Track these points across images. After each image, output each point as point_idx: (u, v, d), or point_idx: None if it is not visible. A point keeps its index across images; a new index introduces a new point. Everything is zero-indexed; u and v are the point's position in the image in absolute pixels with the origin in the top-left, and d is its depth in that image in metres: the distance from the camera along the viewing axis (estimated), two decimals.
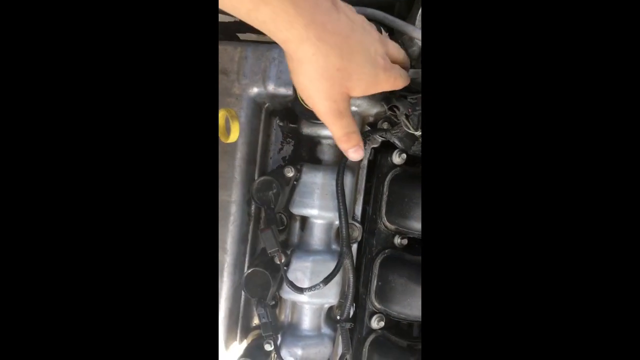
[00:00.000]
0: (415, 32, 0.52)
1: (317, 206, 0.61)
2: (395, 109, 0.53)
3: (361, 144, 0.49)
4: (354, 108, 0.60)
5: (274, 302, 0.69)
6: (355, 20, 0.42)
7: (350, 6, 0.44)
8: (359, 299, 0.68)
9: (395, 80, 0.46)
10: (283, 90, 0.59)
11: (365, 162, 0.68)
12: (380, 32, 0.50)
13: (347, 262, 0.62)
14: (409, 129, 0.51)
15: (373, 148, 0.68)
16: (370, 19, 0.52)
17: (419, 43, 0.55)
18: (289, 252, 0.64)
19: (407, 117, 0.52)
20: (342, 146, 0.49)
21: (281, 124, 0.63)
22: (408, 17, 0.71)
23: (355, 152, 0.49)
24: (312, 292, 0.59)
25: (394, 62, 0.47)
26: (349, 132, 0.47)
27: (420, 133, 0.50)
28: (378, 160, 0.68)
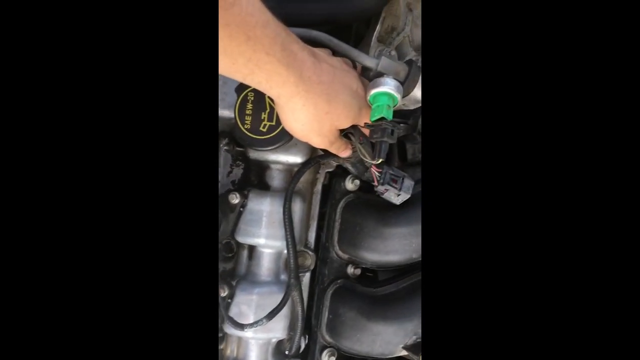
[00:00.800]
0: (361, 57, 0.49)
1: (264, 235, 0.58)
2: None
3: (349, 147, 0.53)
4: None
5: (220, 335, 0.65)
6: (335, 65, 0.47)
7: (327, 51, 0.49)
8: (312, 331, 0.64)
9: (368, 113, 0.51)
10: (227, 113, 0.56)
11: (319, 187, 0.66)
12: (355, 67, 0.52)
13: (295, 295, 0.58)
14: (364, 157, 0.49)
15: (328, 172, 0.65)
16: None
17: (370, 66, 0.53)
18: (234, 283, 0.60)
19: (361, 144, 0.49)
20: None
21: (226, 147, 0.60)
22: (364, 38, 0.69)
23: (343, 154, 0.54)
24: (257, 327, 0.55)
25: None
26: (339, 148, 0.52)
27: (380, 161, 0.48)
28: (332, 185, 0.65)
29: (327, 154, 0.60)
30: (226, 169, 0.66)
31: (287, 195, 0.56)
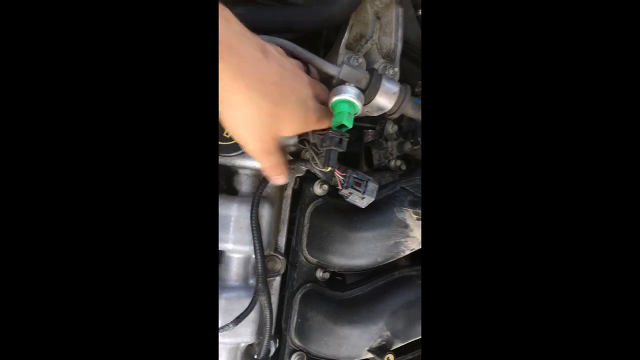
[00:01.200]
0: (324, 66, 0.50)
1: (232, 240, 0.58)
2: (305, 143, 0.52)
3: (286, 173, 0.51)
4: None
5: None
6: (286, 66, 0.45)
7: (281, 52, 0.47)
8: (282, 335, 0.65)
9: (322, 120, 0.49)
10: None
11: (289, 191, 0.66)
12: (309, 72, 0.52)
13: (262, 299, 0.59)
14: (316, 164, 0.50)
15: (298, 177, 0.66)
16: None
17: (333, 74, 0.54)
18: None
19: (315, 152, 0.50)
20: (267, 175, 0.52)
21: None
22: (333, 46, 0.70)
23: (277, 180, 0.52)
24: (224, 332, 0.55)
25: (321, 102, 0.49)
26: (276, 165, 0.49)
27: (329, 169, 0.49)
28: (302, 189, 0.66)
29: (295, 159, 0.61)
30: None
31: (254, 200, 0.57)
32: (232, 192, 0.62)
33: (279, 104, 0.42)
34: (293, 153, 0.64)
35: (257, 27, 0.59)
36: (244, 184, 0.61)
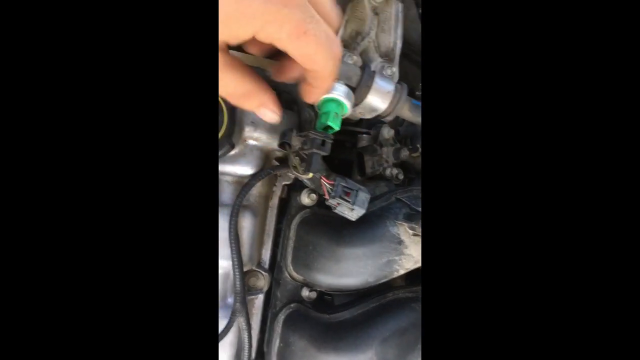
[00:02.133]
0: None
1: None
2: (286, 146, 0.46)
3: (270, 104, 0.39)
4: (252, 142, 0.53)
5: None
6: None
7: None
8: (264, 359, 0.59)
9: (309, 34, 0.33)
10: None
11: (276, 200, 0.61)
12: None
13: (240, 320, 0.53)
14: (295, 170, 0.44)
15: (285, 185, 0.61)
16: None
17: None
18: None
19: (298, 156, 0.45)
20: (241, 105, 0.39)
21: None
22: None
23: (265, 115, 0.39)
24: None
25: (320, 14, 0.35)
26: (245, 89, 0.37)
27: (310, 176, 0.43)
28: (290, 199, 0.60)
29: (280, 165, 0.56)
30: None
31: (233, 210, 0.51)
32: None
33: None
34: (279, 158, 0.59)
35: None
36: (225, 192, 0.56)
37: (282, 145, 0.46)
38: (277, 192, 0.60)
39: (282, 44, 0.33)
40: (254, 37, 0.33)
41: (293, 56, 0.35)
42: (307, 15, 0.33)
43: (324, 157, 0.46)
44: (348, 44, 0.62)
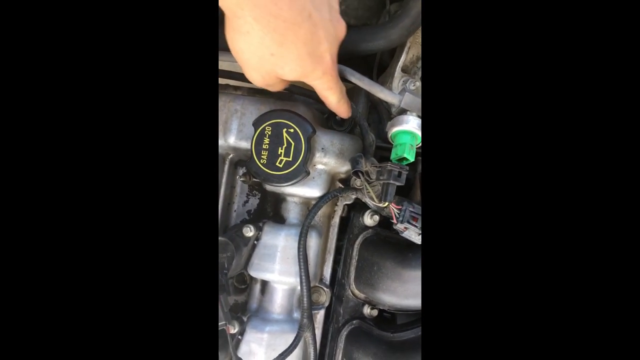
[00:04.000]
0: (383, 93, 0.47)
1: (278, 270, 0.56)
2: (359, 175, 0.48)
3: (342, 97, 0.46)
4: (321, 166, 0.55)
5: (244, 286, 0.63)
6: (320, 8, 0.38)
7: None
8: None
9: (329, 87, 0.45)
10: (244, 144, 0.54)
11: (337, 219, 0.63)
12: None
13: (307, 335, 0.56)
14: (372, 199, 0.46)
15: (346, 205, 0.63)
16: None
17: (393, 102, 0.50)
18: (245, 319, 0.58)
19: (368, 182, 0.47)
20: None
21: (242, 179, 0.58)
22: (388, 68, 0.67)
23: (345, 113, 0.50)
24: None
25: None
26: (275, 87, 0.45)
27: (386, 205, 0.45)
28: (351, 218, 0.63)
29: (346, 187, 0.58)
30: (242, 198, 0.65)
31: (303, 231, 0.54)
32: (279, 219, 0.60)
33: (287, 46, 0.37)
34: (343, 180, 0.61)
35: None
36: (292, 212, 0.59)
37: (355, 173, 0.49)
38: (339, 211, 0.63)
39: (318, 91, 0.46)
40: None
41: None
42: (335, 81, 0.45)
43: None
44: (409, 69, 0.64)
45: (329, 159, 0.55)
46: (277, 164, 0.48)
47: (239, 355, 0.55)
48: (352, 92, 0.71)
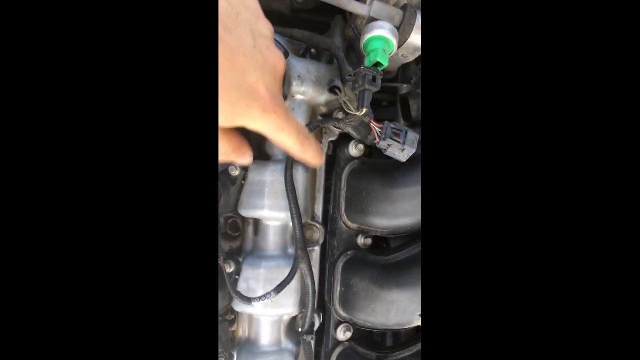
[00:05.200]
0: (351, 5, 0.46)
1: (267, 206, 0.56)
2: (336, 91, 0.48)
3: (245, 154, 0.42)
4: (299, 97, 0.55)
5: (232, 317, 0.63)
6: (236, 32, 0.34)
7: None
8: (325, 308, 0.61)
9: (279, 128, 0.39)
10: None
11: (324, 158, 0.63)
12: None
13: (303, 267, 0.56)
14: (349, 109, 0.46)
15: (331, 141, 0.63)
16: None
17: (362, 13, 0.49)
18: (241, 260, 0.58)
19: (344, 96, 0.46)
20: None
21: None
22: None
23: (239, 159, 0.43)
24: (265, 302, 0.53)
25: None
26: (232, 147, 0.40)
27: (364, 113, 0.45)
28: (337, 154, 0.62)
29: (327, 117, 0.58)
30: None
31: (288, 163, 0.54)
32: (264, 157, 0.59)
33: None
34: (324, 115, 0.61)
35: None
36: (276, 148, 0.59)
37: (332, 89, 0.48)
38: (324, 149, 0.62)
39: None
40: None
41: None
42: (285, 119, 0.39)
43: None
44: None
45: (306, 88, 0.54)
46: None
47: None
48: (326, 28, 0.70)
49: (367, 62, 0.44)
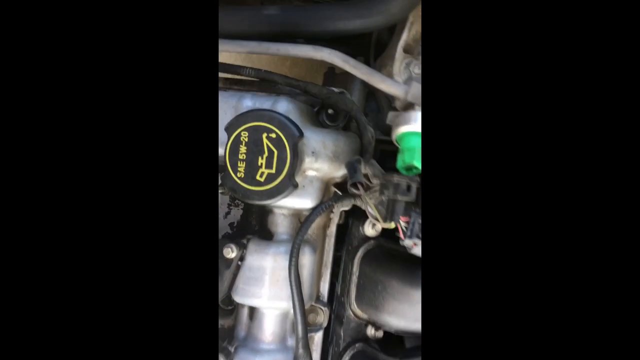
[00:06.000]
0: (385, 83, 0.38)
1: (267, 296, 0.48)
2: (358, 186, 0.40)
3: None
4: (312, 173, 0.47)
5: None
6: None
7: None
8: None
9: None
10: (220, 151, 0.45)
11: (334, 229, 0.55)
12: None
13: None
14: (376, 219, 0.38)
15: (344, 211, 0.55)
16: (328, 63, 0.39)
17: (398, 95, 0.41)
18: (232, 349, 0.51)
19: (371, 200, 0.38)
20: None
21: (222, 190, 0.49)
22: (387, 48, 0.57)
23: None
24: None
25: None
26: None
27: (393, 226, 0.37)
28: (349, 226, 0.55)
29: (343, 195, 0.50)
30: (223, 210, 0.56)
31: (294, 250, 0.46)
32: (266, 234, 0.51)
33: None
34: (338, 184, 0.53)
35: (295, 31, 0.48)
36: (280, 226, 0.51)
37: (354, 185, 0.40)
38: (335, 219, 0.54)
39: None
40: None
41: None
42: None
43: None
44: (412, 49, 0.54)
45: (321, 164, 0.46)
46: (257, 177, 0.40)
47: None
48: (346, 78, 0.62)
49: (400, 162, 0.36)
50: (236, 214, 0.56)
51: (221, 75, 0.55)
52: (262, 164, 0.39)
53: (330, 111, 0.51)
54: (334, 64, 0.41)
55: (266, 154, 0.39)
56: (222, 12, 0.50)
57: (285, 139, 0.39)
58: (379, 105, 0.63)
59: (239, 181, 0.40)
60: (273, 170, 0.39)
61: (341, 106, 0.50)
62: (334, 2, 0.51)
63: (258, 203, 0.43)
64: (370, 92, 0.61)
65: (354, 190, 0.41)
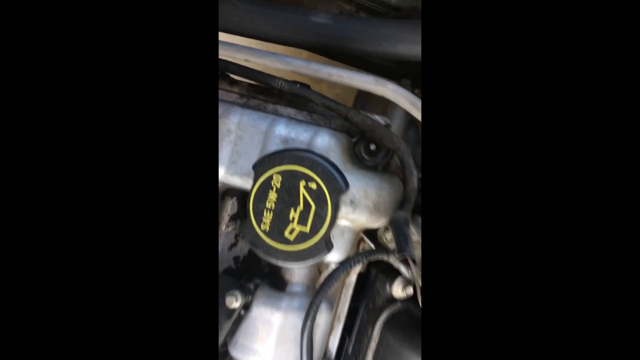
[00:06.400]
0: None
1: (271, 357, 0.40)
2: (411, 263, 0.32)
3: None
4: (345, 223, 0.39)
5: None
6: None
7: None
8: None
9: None
10: (238, 181, 0.37)
11: (354, 278, 0.48)
12: None
13: None
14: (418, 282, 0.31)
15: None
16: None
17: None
18: None
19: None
20: None
21: (231, 226, 0.41)
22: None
23: None
24: None
25: None
26: None
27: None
28: (371, 278, 0.47)
29: (376, 251, 0.42)
30: (228, 240, 0.48)
31: (310, 311, 0.38)
32: (278, 282, 0.43)
33: None
34: (368, 231, 0.45)
35: (347, 47, 0.40)
36: (297, 274, 0.43)
37: (404, 261, 0.33)
38: (357, 268, 0.47)
39: None
40: None
41: None
42: None
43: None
44: None
45: (358, 215, 0.38)
46: (285, 234, 0.32)
47: None
48: (386, 105, 0.54)
49: None
50: (243, 247, 0.47)
51: (247, 81, 0.47)
52: (294, 218, 0.32)
53: (372, 147, 0.43)
54: (397, 103, 0.33)
55: (301, 207, 0.31)
56: (261, 10, 0.42)
57: (328, 192, 0.31)
58: (421, 137, 0.55)
59: (262, 234, 0.32)
60: (307, 229, 0.32)
61: (386, 143, 0.42)
62: (396, 20, 0.43)
63: (282, 265, 0.35)
64: (412, 121, 0.54)
65: (400, 264, 0.33)
